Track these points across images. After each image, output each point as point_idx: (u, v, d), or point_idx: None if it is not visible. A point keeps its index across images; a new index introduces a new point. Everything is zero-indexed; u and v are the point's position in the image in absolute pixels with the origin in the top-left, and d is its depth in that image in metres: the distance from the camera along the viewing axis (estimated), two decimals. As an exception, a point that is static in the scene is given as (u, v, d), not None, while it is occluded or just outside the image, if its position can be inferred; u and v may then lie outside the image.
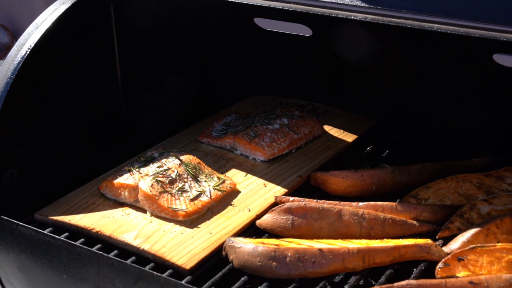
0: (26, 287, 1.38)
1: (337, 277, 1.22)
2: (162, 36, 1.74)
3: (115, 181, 1.35)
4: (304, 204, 1.29)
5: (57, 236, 1.29)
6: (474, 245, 1.23)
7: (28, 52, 1.38)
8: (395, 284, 1.11)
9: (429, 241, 1.28)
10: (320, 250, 1.18)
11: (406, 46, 1.66)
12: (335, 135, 1.68)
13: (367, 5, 1.34)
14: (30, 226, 1.31)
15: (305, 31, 1.76)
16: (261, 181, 1.46)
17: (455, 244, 1.27)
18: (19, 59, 1.38)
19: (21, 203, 1.42)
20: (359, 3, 1.33)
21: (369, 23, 1.33)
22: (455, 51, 1.59)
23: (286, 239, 1.24)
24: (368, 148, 1.68)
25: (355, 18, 1.32)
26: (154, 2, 1.63)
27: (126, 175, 1.36)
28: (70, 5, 1.45)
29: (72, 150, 1.53)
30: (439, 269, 1.19)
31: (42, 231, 1.31)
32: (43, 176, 1.47)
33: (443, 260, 1.21)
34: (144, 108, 1.71)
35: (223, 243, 1.24)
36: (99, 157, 1.57)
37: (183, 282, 1.17)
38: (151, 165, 1.39)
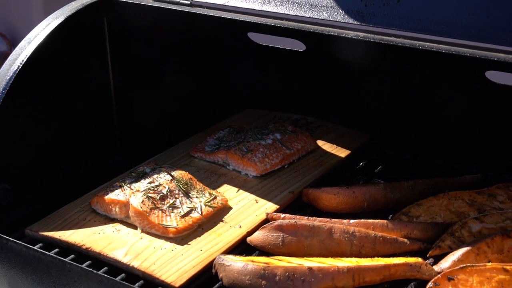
0: (16, 302, 1.39)
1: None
2: (156, 51, 1.75)
3: (106, 197, 1.35)
4: (295, 222, 1.30)
5: (47, 252, 1.30)
6: (465, 265, 1.23)
7: (20, 67, 1.39)
8: (385, 304, 1.12)
9: (419, 259, 1.28)
10: (310, 268, 1.18)
11: (398, 63, 1.67)
12: (328, 150, 1.68)
13: (359, 23, 1.35)
14: (20, 242, 1.32)
15: (299, 46, 1.77)
16: (252, 197, 1.46)
17: (445, 263, 1.27)
18: (11, 74, 1.39)
19: (12, 217, 1.42)
20: (351, 21, 1.33)
21: (361, 40, 1.35)
22: (447, 69, 1.59)
23: (276, 257, 1.25)
24: (361, 164, 1.69)
25: (346, 35, 1.33)
26: (148, 17, 1.64)
27: (117, 191, 1.36)
28: (63, 19, 1.46)
29: (64, 164, 1.54)
30: None
31: (32, 247, 1.32)
32: (34, 190, 1.48)
33: (433, 279, 1.21)
34: (137, 121, 1.71)
35: (213, 260, 1.24)
36: (92, 170, 1.58)
37: (172, 300, 1.18)
38: (142, 180, 1.39)
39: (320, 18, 1.40)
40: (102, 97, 1.63)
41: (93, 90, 1.61)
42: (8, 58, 1.43)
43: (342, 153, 1.67)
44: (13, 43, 4.81)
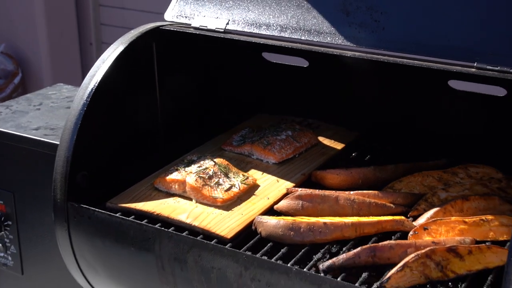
0: (98, 259, 1.78)
1: (335, 245, 1.66)
2: (192, 69, 2.13)
3: (167, 177, 1.77)
4: (311, 192, 1.73)
5: (126, 218, 1.65)
6: (435, 219, 1.67)
7: (98, 81, 1.77)
8: (379, 243, 1.55)
9: (403, 218, 1.70)
10: (325, 223, 1.61)
11: (383, 76, 2.03)
12: (327, 144, 2.10)
13: (354, 45, 1.78)
14: (105, 212, 1.70)
15: (303, 62, 2.20)
16: (274, 178, 1.87)
17: (421, 219, 1.68)
18: (92, 86, 1.78)
19: (90, 197, 1.77)
20: (349, 44, 1.77)
21: (353, 58, 1.73)
22: (420, 79, 1.94)
23: (298, 217, 1.68)
24: (354, 154, 2.12)
25: (345, 55, 1.76)
26: (189, 42, 2.02)
27: (175, 173, 1.78)
28: (127, 45, 1.87)
29: (126, 157, 1.93)
30: (410, 235, 1.61)
31: (115, 214, 1.69)
32: (105, 176, 1.86)
33: (413, 229, 1.65)
34: (176, 126, 2.11)
35: (252, 220, 1.66)
36: (144, 163, 1.99)
37: (226, 247, 1.59)
38: (192, 165, 1.81)
39: (325, 42, 1.84)
40: (151, 108, 1.98)
41: (146, 102, 1.96)
42: (84, 82, 1.76)
43: (339, 146, 2.09)
44: (19, 63, 5.17)
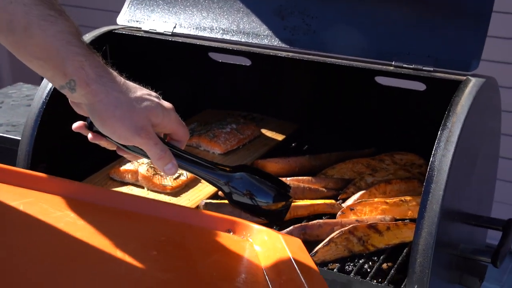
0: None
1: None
2: (146, 69, 2.31)
3: (121, 168, 1.94)
4: (251, 179, 1.92)
5: None
6: (361, 200, 1.87)
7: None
8: (310, 222, 1.75)
9: (333, 201, 1.90)
10: (263, 206, 1.81)
11: (317, 74, 2.25)
12: (269, 135, 2.30)
13: (288, 46, 1.97)
14: None
15: (246, 61, 2.39)
16: (219, 167, 2.08)
17: (349, 201, 1.85)
18: (50, 86, 1.94)
19: None
20: (283, 45, 1.96)
21: (289, 58, 1.93)
22: (349, 76, 2.16)
23: (240, 201, 1.86)
24: (293, 145, 2.32)
25: (280, 55, 1.96)
26: (140, 44, 2.21)
27: (128, 164, 1.95)
28: (82, 47, 2.04)
29: (83, 150, 2.09)
30: (338, 215, 1.81)
31: None
32: (64, 168, 2.02)
33: (341, 210, 1.85)
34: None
35: (197, 205, 1.86)
36: (99, 155, 2.15)
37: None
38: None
39: (262, 43, 2.03)
40: None
41: None
42: (42, 82, 1.88)
43: (279, 137, 2.28)
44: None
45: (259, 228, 1.37)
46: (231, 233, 1.38)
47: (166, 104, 1.40)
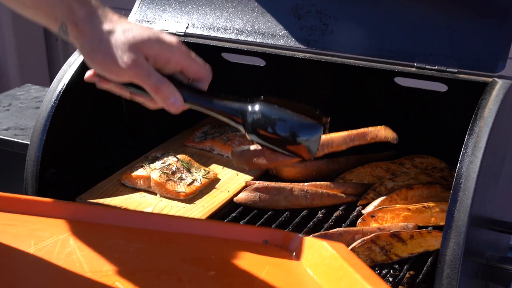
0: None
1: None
2: None
3: (133, 174, 1.88)
4: (267, 184, 1.85)
5: None
6: (382, 207, 1.81)
7: (65, 83, 1.86)
8: (330, 231, 1.69)
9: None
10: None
11: (334, 75, 2.16)
12: (284, 139, 2.25)
13: (305, 47, 1.91)
14: None
15: (260, 62, 2.32)
16: (234, 172, 1.99)
17: (369, 208, 1.81)
18: (60, 89, 1.87)
19: (59, 194, 1.91)
20: (301, 46, 1.90)
21: (306, 60, 1.88)
22: (368, 77, 2.08)
23: (256, 208, 1.80)
24: (309, 148, 2.26)
25: (297, 56, 1.90)
26: None
27: (140, 169, 1.89)
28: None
29: (93, 155, 2.04)
30: (359, 223, 1.76)
31: None
32: (74, 174, 1.98)
33: (361, 217, 1.79)
34: (140, 124, 2.23)
35: (213, 212, 1.79)
36: (112, 157, 2.09)
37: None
38: (156, 162, 1.92)
39: (278, 44, 1.97)
40: (116, 108, 2.07)
41: (111, 102, 2.05)
42: (52, 85, 1.84)
43: (295, 140, 2.24)
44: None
45: (298, 237, 1.35)
46: (268, 243, 1.37)
47: (168, 37, 1.34)
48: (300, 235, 1.36)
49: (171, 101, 1.32)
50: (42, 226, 1.38)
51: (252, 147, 1.51)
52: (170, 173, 1.87)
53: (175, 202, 1.82)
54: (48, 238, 1.33)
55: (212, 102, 1.34)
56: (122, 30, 1.28)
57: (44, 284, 1.19)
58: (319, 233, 1.66)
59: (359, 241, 1.60)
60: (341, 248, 1.30)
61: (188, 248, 1.36)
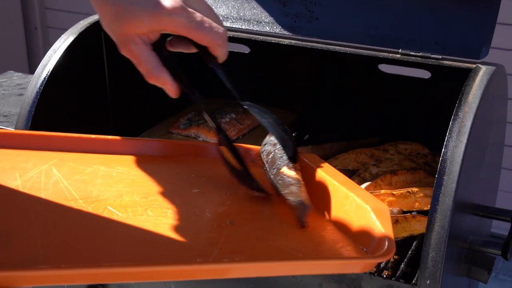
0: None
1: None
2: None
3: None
4: (253, 170, 1.87)
5: None
6: (366, 192, 1.83)
7: (50, 70, 1.87)
8: (316, 216, 1.70)
9: None
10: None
11: (319, 62, 2.20)
12: (269, 125, 2.25)
13: (290, 34, 1.92)
14: None
15: (244, 49, 2.33)
16: (219, 158, 2.02)
17: None
18: (44, 75, 1.87)
19: None
20: (286, 32, 1.91)
21: (292, 46, 1.91)
22: (352, 64, 2.13)
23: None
24: (294, 134, 2.27)
25: (282, 43, 1.91)
26: None
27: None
28: (77, 34, 1.97)
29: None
30: None
31: None
32: None
33: (347, 202, 1.81)
34: (125, 111, 2.23)
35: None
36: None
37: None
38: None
39: (263, 31, 1.98)
40: (101, 95, 2.07)
41: (96, 89, 2.07)
42: (36, 71, 1.84)
43: (279, 127, 2.25)
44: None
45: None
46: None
47: (166, 4, 1.28)
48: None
49: (166, 88, 1.47)
50: (23, 158, 1.39)
51: None
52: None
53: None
54: (31, 169, 1.34)
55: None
56: (117, 10, 1.30)
57: (44, 215, 1.19)
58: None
59: (345, 225, 1.61)
60: (313, 157, 1.41)
61: (169, 170, 1.45)
